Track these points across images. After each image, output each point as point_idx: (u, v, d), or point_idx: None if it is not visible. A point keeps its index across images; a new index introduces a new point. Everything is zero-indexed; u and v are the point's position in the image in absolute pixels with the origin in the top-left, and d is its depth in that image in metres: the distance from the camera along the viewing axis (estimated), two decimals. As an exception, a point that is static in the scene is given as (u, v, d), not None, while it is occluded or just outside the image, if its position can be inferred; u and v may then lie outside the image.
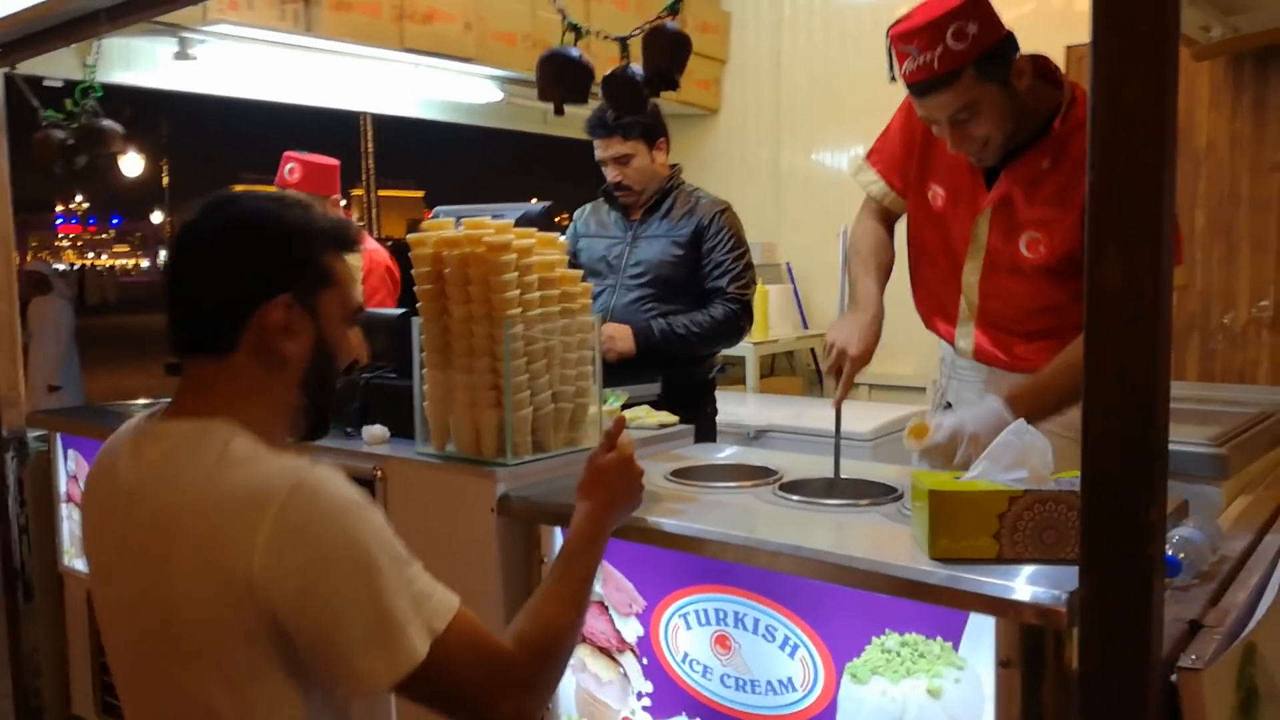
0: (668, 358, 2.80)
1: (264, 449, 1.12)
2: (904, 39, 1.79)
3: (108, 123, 3.01)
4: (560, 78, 1.75)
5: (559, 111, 1.80)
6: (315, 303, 1.18)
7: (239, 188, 1.27)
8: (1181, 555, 1.44)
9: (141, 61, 3.51)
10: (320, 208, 1.25)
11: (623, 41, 1.74)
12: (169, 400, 1.19)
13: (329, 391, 1.24)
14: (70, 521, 2.87)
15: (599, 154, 2.87)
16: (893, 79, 1.86)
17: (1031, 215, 1.94)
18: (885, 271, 2.16)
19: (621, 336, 2.76)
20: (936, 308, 2.19)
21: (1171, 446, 2.39)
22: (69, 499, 2.87)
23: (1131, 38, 1.04)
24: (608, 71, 1.75)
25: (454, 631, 1.09)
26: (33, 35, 2.86)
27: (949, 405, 2.25)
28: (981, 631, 1.31)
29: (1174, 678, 1.16)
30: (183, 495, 1.09)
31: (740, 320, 2.86)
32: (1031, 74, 1.87)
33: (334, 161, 3.46)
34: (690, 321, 2.81)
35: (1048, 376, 1.87)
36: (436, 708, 1.11)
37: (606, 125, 2.79)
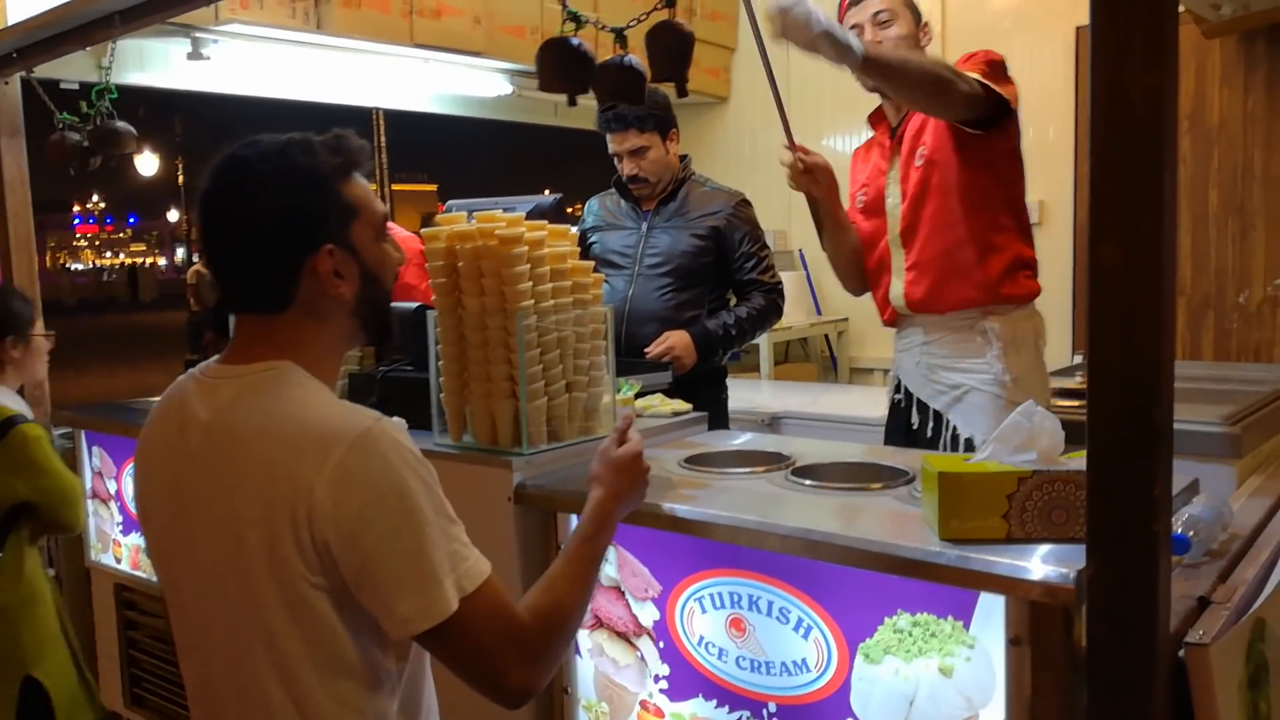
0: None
1: (331, 394, 1.21)
2: None
3: (121, 124, 3.06)
4: (561, 68, 1.76)
5: (572, 102, 1.82)
6: (351, 238, 1.22)
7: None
8: (1191, 533, 1.45)
9: (155, 63, 3.55)
10: (316, 140, 1.24)
11: (618, 32, 1.74)
12: (224, 352, 1.25)
13: (383, 306, 1.30)
14: (96, 518, 2.92)
15: (613, 148, 2.89)
16: None
17: (916, 139, 2.27)
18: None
19: (684, 348, 2.78)
20: (876, 286, 2.43)
21: (1184, 426, 2.41)
22: (94, 495, 2.92)
23: (1130, 20, 1.05)
24: (600, 62, 1.75)
25: (482, 596, 1.14)
26: (48, 39, 2.90)
27: (899, 385, 2.45)
28: (992, 610, 1.33)
29: (1182, 653, 1.18)
30: (258, 422, 1.16)
31: (781, 303, 2.98)
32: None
33: None
34: (740, 316, 2.89)
35: (905, 54, 2.11)
36: (453, 666, 1.16)
37: (622, 119, 2.81)
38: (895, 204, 2.34)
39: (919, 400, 2.36)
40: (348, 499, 1.09)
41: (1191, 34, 3.48)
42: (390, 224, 3.86)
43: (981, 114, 2.09)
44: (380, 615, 1.13)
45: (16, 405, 2.52)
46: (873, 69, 1.93)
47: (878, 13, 2.21)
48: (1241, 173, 3.85)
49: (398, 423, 1.17)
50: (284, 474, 1.11)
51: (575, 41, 1.75)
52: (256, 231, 1.19)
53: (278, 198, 1.18)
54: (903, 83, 2.03)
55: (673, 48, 1.71)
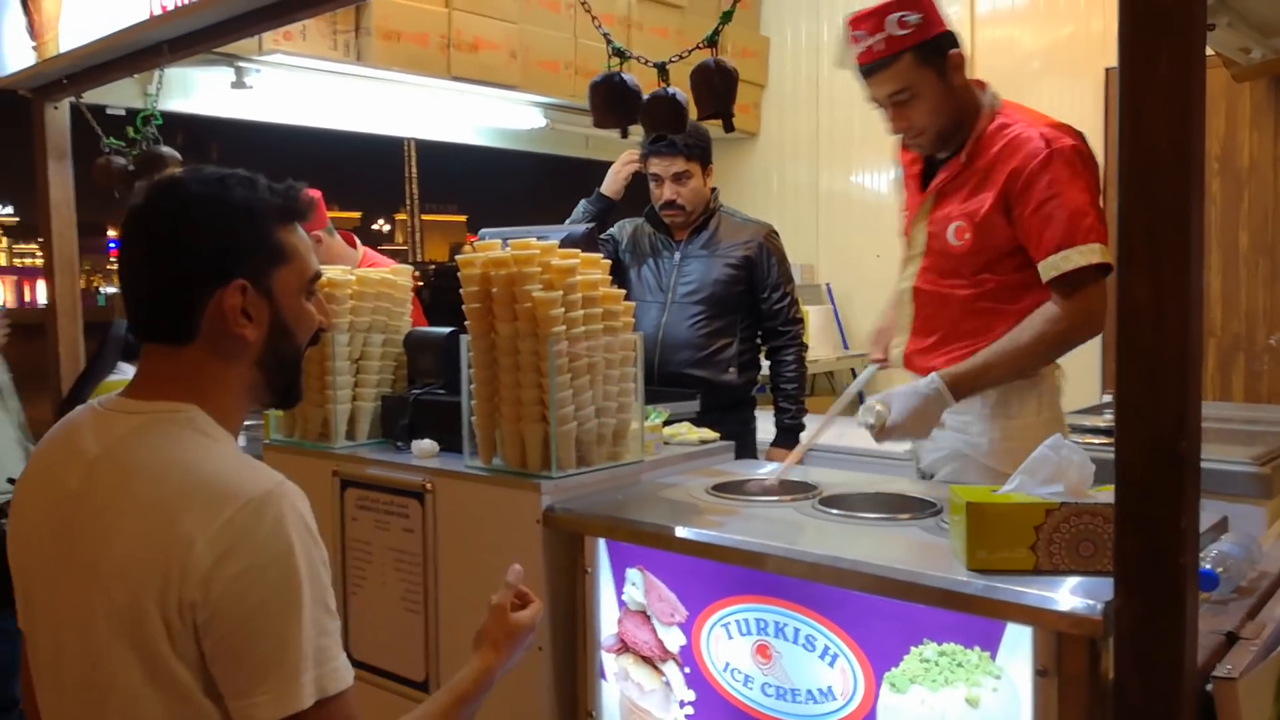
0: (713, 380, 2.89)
1: (238, 448, 1.15)
2: (854, 24, 2.03)
3: (166, 149, 3.14)
4: (612, 102, 1.82)
5: (625, 134, 1.87)
6: (270, 282, 1.17)
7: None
8: (1219, 569, 1.45)
9: (199, 90, 3.64)
10: (264, 180, 1.20)
11: (661, 67, 1.80)
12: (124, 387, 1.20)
13: (290, 365, 1.23)
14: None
15: (656, 170, 2.95)
16: (842, 65, 2.07)
17: (957, 208, 2.09)
18: None
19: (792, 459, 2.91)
20: (882, 331, 2.36)
21: (1215, 465, 2.40)
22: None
23: (1156, 63, 1.07)
24: (646, 95, 1.80)
25: (338, 706, 1.06)
26: (97, 67, 2.98)
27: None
28: (1019, 641, 1.33)
29: (1209, 687, 1.18)
30: (149, 464, 1.09)
31: (804, 344, 3.09)
32: (964, 72, 2.06)
33: (315, 192, 3.52)
34: (794, 387, 3.01)
35: (987, 357, 2.00)
36: None
37: (673, 144, 2.88)
38: (910, 275, 2.20)
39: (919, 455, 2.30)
40: (229, 560, 1.01)
41: (1222, 77, 3.49)
42: (367, 250, 3.83)
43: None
44: (228, 694, 1.04)
45: None
46: (968, 393, 1.97)
47: (894, 92, 2.03)
48: (1272, 215, 3.85)
49: (301, 494, 1.10)
50: (165, 522, 1.03)
51: (624, 77, 1.80)
52: (171, 252, 1.14)
53: (199, 221, 1.14)
54: (1005, 379, 2.00)
55: (718, 85, 1.77)
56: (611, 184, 3.13)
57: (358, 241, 3.62)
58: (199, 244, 1.14)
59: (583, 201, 3.16)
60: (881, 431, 1.95)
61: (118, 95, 3.39)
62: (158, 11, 2.52)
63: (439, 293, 3.76)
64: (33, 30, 3.04)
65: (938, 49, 2.01)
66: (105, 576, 1.06)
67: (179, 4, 2.44)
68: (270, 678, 1.02)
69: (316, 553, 1.08)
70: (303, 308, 1.22)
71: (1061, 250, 1.92)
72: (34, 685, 1.19)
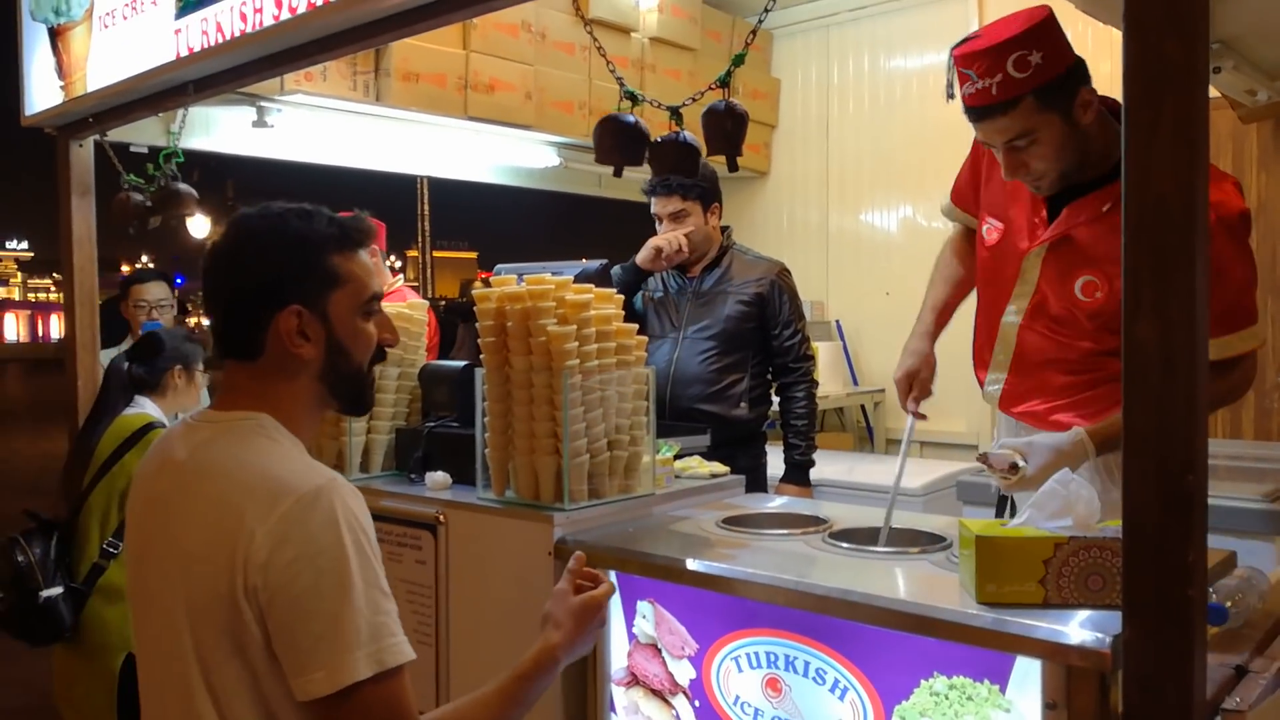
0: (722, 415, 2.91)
1: (301, 450, 1.27)
2: (965, 61, 1.78)
3: (183, 186, 3.19)
4: (617, 142, 1.86)
5: (618, 173, 1.90)
6: (325, 305, 1.29)
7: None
8: (1228, 603, 1.45)
9: (221, 128, 3.71)
10: (325, 213, 1.33)
11: (674, 110, 1.84)
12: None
13: (351, 378, 1.34)
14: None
15: (655, 210, 2.99)
16: (950, 97, 1.88)
17: (1090, 256, 1.87)
18: (951, 286, 2.24)
19: (802, 494, 2.93)
20: (978, 350, 2.16)
21: (1225, 502, 2.40)
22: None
23: (1160, 103, 1.10)
24: (657, 138, 1.85)
25: (393, 679, 1.15)
26: (124, 105, 3.05)
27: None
28: (1028, 674, 1.34)
29: (1218, 720, 1.18)
30: (224, 465, 1.23)
31: (815, 380, 3.09)
32: (1098, 108, 1.83)
33: (380, 223, 3.59)
34: (804, 423, 3.01)
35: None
36: None
37: (667, 184, 2.92)
38: (1018, 312, 2.00)
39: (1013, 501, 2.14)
40: (282, 550, 1.14)
41: (1229, 119, 3.52)
42: (403, 287, 3.91)
43: None
44: (290, 672, 1.14)
45: (159, 416, 2.70)
46: (1107, 451, 1.78)
47: (1011, 139, 1.82)
48: (1281, 254, 3.86)
49: (353, 490, 1.22)
50: (233, 515, 1.17)
51: (631, 119, 1.85)
52: (235, 280, 1.30)
53: (260, 254, 1.28)
54: None
55: (728, 127, 1.80)
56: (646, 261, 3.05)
57: (397, 272, 3.75)
58: (257, 273, 1.29)
59: (618, 267, 3.16)
60: (1017, 483, 1.78)
61: (141, 133, 3.45)
62: (184, 53, 2.58)
63: (447, 327, 3.84)
64: (61, 70, 3.12)
65: (1063, 89, 1.77)
66: (187, 560, 1.20)
67: (205, 46, 2.50)
68: (325, 654, 1.12)
69: (365, 540, 1.18)
70: (359, 327, 1.33)
71: (1220, 337, 1.75)
72: (137, 663, 1.34)
